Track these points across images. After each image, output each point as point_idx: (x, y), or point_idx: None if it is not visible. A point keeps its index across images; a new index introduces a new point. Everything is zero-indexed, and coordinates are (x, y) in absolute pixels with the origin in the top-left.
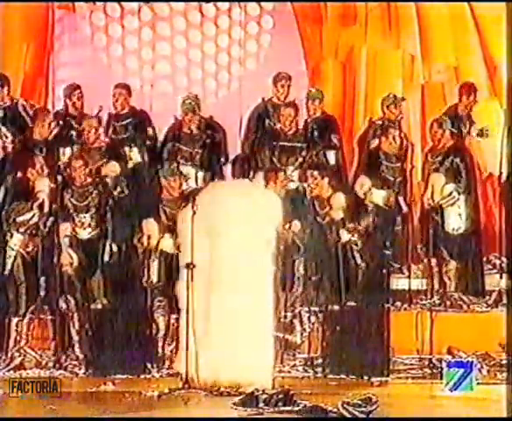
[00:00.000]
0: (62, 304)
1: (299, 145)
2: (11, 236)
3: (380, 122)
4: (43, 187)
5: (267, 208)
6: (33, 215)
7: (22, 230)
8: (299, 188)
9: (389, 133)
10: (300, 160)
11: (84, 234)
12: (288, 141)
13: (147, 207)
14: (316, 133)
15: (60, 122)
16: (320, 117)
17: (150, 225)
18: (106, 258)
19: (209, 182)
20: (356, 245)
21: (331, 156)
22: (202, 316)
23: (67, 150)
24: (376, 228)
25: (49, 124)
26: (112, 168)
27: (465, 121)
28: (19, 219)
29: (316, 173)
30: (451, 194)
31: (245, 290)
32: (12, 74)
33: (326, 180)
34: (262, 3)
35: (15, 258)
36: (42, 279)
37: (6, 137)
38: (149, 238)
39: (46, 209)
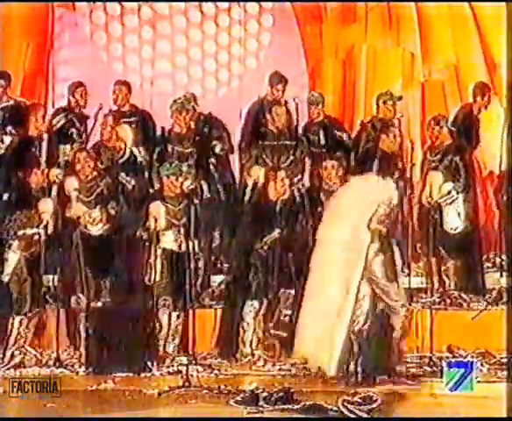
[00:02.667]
0: (73, 302)
1: (288, 142)
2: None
3: (370, 124)
4: (46, 208)
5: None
6: (36, 233)
7: (23, 243)
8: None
9: (389, 132)
10: (291, 157)
11: (95, 230)
12: (278, 140)
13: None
14: (322, 136)
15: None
16: (325, 121)
17: (157, 207)
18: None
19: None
20: None
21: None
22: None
23: (68, 147)
24: None
25: (43, 117)
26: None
27: (477, 122)
28: (20, 233)
29: (334, 162)
30: (449, 192)
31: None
32: (12, 72)
33: (340, 172)
34: (262, 2)
35: (18, 259)
36: (46, 277)
37: (6, 135)
38: (156, 221)
39: (51, 230)
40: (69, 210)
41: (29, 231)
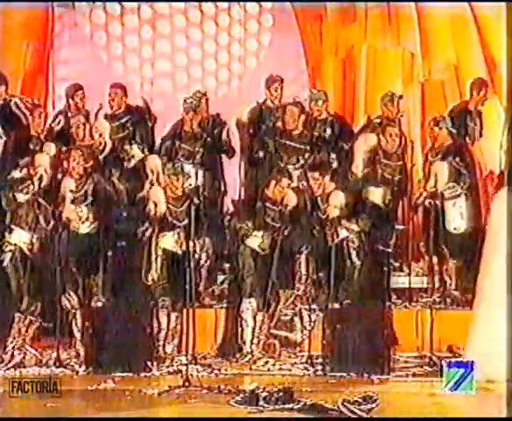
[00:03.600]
0: (64, 301)
1: (302, 146)
2: (11, 231)
3: (379, 120)
4: (43, 161)
5: None
6: (32, 183)
7: (16, 188)
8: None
9: (388, 131)
10: (302, 161)
11: (83, 229)
12: (292, 141)
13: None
14: (326, 134)
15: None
16: (330, 119)
17: (156, 192)
18: (108, 253)
19: None
20: (353, 242)
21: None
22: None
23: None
24: (374, 227)
25: (40, 115)
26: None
27: (475, 117)
28: (13, 176)
29: (316, 174)
30: (454, 187)
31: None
32: (12, 72)
33: (327, 178)
34: (262, 2)
35: (13, 253)
36: (44, 276)
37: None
38: (156, 205)
39: (45, 182)
40: (62, 212)
41: (26, 183)
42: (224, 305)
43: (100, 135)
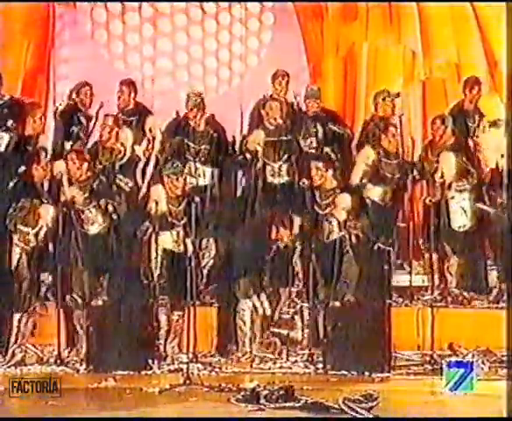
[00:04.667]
0: (69, 300)
1: (284, 138)
2: (16, 231)
3: (372, 123)
4: (45, 214)
5: None
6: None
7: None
8: (290, 181)
9: (388, 132)
10: (288, 153)
11: (93, 229)
12: (277, 135)
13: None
14: (320, 129)
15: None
16: (322, 114)
17: (157, 190)
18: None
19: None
20: (350, 239)
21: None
22: None
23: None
24: (375, 225)
25: (40, 118)
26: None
27: (474, 115)
28: (21, 228)
29: (320, 164)
30: (463, 181)
31: None
32: (13, 70)
33: (330, 172)
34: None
35: (20, 254)
36: (46, 275)
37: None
38: (157, 204)
39: (42, 235)
40: (63, 195)
41: (25, 229)
42: (224, 304)
43: (122, 144)
